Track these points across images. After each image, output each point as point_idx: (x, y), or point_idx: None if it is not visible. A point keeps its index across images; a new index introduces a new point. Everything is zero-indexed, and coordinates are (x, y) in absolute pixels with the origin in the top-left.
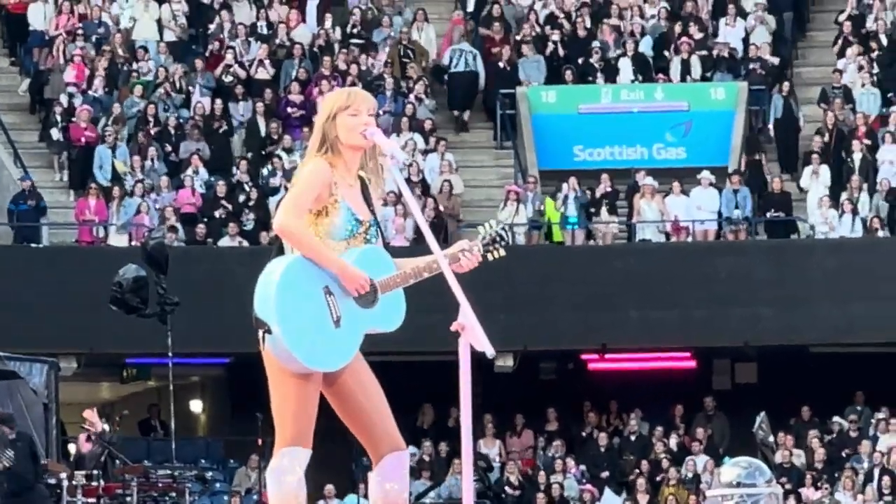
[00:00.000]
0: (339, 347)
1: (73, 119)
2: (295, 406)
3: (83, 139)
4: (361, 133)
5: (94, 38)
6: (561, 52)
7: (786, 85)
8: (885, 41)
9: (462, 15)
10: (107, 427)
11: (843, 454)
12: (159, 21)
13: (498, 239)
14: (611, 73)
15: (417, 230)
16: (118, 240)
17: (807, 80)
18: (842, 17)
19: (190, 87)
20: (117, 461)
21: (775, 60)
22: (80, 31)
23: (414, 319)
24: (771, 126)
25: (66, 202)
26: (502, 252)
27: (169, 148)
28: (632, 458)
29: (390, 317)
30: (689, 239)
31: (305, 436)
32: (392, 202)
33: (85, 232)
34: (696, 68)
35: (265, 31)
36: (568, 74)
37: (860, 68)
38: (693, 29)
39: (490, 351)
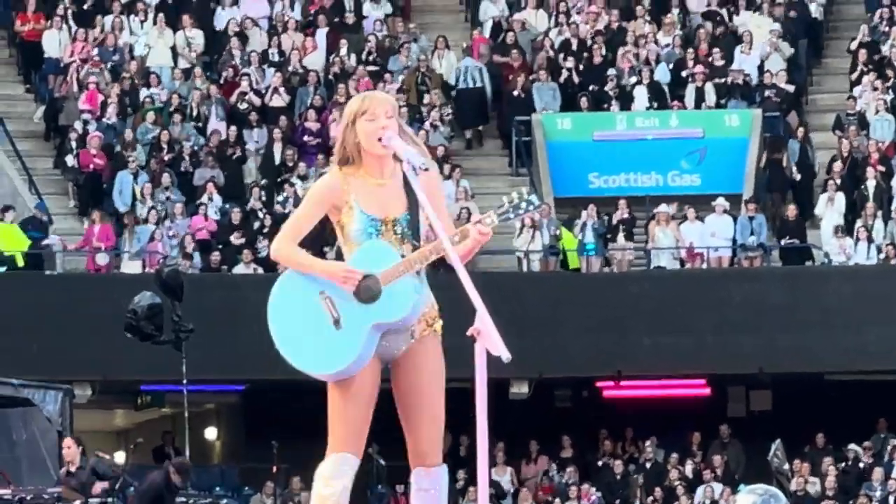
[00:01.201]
0: (341, 347)
1: (86, 146)
2: (339, 412)
3: (92, 166)
4: (377, 138)
5: (108, 65)
6: (576, 79)
7: (800, 131)
8: None
9: (481, 33)
10: (121, 459)
11: (858, 482)
12: (173, 48)
13: (525, 205)
14: (626, 101)
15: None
16: (131, 266)
17: (821, 106)
18: (853, 45)
19: (204, 113)
20: (132, 488)
21: (790, 88)
22: (94, 58)
23: None
24: (794, 167)
25: (80, 229)
26: (536, 215)
27: (183, 173)
28: (636, 477)
29: (394, 307)
30: (704, 266)
31: (352, 442)
32: None
33: (91, 260)
34: (711, 95)
35: (278, 59)
36: (583, 101)
37: (874, 89)
38: (707, 56)
39: (506, 355)
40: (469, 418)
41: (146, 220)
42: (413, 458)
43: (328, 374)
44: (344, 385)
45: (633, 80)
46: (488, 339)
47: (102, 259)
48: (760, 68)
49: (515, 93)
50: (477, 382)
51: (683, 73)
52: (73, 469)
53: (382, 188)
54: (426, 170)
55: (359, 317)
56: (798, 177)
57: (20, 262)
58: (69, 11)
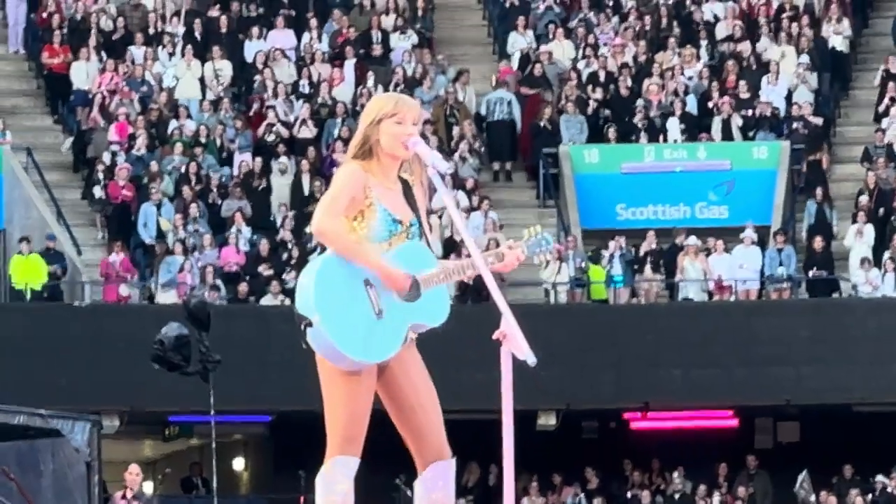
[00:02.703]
0: (382, 338)
1: (114, 177)
2: (344, 410)
3: (120, 197)
4: (403, 143)
5: (137, 97)
6: (603, 111)
7: (819, 190)
8: None
9: (508, 64)
10: (149, 489)
11: None
12: (202, 79)
13: (543, 243)
14: (653, 132)
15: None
16: (163, 297)
17: (849, 139)
18: (880, 77)
19: (232, 145)
20: None
21: (819, 120)
22: (123, 90)
23: (457, 377)
24: (804, 233)
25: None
26: (548, 256)
27: (211, 204)
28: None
29: (434, 311)
30: (732, 297)
31: (355, 442)
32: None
33: (111, 290)
34: (738, 128)
35: (307, 90)
36: (611, 133)
37: None
38: (734, 88)
39: (532, 359)
40: (497, 450)
41: (174, 252)
42: (427, 457)
43: (363, 360)
44: (353, 382)
45: (664, 111)
46: (514, 342)
47: (125, 290)
48: (788, 100)
49: (542, 124)
50: (503, 387)
51: (710, 105)
52: (128, 495)
53: (391, 191)
54: (453, 174)
55: (400, 312)
56: (820, 244)
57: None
58: (97, 43)
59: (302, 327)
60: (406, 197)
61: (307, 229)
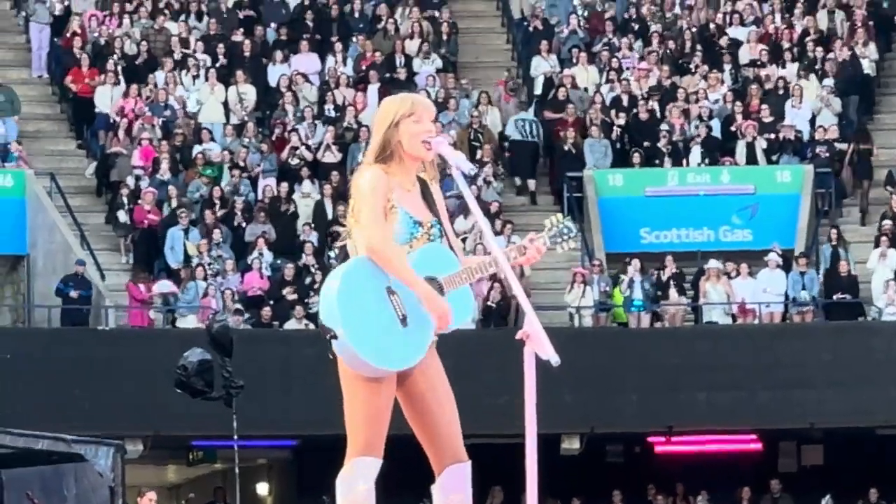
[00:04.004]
0: (407, 346)
1: (139, 201)
2: (366, 413)
3: (146, 221)
4: (424, 142)
5: (160, 121)
6: (627, 135)
7: (833, 232)
8: None
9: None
10: None
11: None
12: (225, 103)
13: (566, 231)
14: (677, 156)
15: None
16: (185, 322)
17: (874, 162)
18: None
19: (256, 169)
20: None
21: (844, 146)
22: (147, 114)
23: (482, 401)
24: (821, 278)
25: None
26: (571, 244)
27: (235, 228)
28: None
29: (459, 312)
30: (756, 321)
31: (377, 444)
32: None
33: (135, 315)
34: (762, 151)
35: (331, 114)
36: (635, 157)
37: None
38: (758, 111)
39: (555, 359)
40: (521, 474)
41: (196, 277)
42: (444, 460)
43: (386, 368)
44: (374, 385)
45: (688, 135)
46: (537, 342)
47: (154, 315)
48: (812, 123)
49: (566, 148)
50: (526, 387)
51: (733, 128)
52: None
53: (411, 193)
54: (476, 176)
55: (424, 317)
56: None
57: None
58: (120, 67)
59: (327, 339)
60: (424, 197)
61: (331, 252)
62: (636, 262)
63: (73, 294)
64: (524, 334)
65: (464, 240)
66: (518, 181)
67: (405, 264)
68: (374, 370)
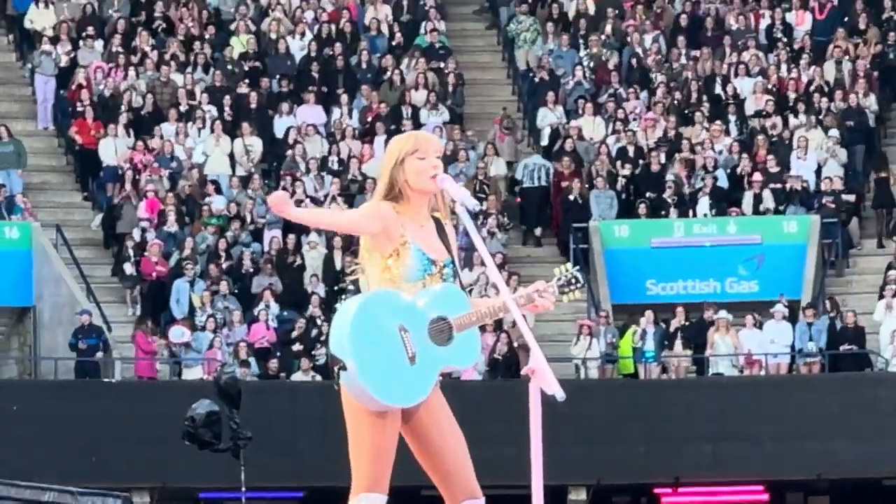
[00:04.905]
0: (414, 384)
1: (145, 254)
2: (371, 447)
3: (154, 274)
4: (430, 177)
5: (166, 173)
6: (633, 185)
7: (830, 303)
8: None
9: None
10: None
11: None
12: (231, 155)
13: (574, 281)
14: (683, 207)
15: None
16: (191, 374)
17: (880, 212)
18: None
19: (262, 221)
20: None
21: (851, 198)
22: (153, 166)
23: (488, 452)
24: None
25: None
26: (578, 294)
27: (241, 279)
28: None
29: (466, 354)
30: (763, 372)
31: (382, 480)
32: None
33: (143, 367)
34: (769, 202)
35: (337, 166)
36: (641, 208)
37: None
38: (764, 162)
39: (560, 394)
40: None
41: (204, 328)
42: (457, 496)
43: (392, 404)
44: (379, 420)
45: (695, 187)
46: (543, 378)
47: (160, 366)
48: (818, 174)
49: (572, 197)
50: (531, 422)
51: (738, 175)
52: None
53: (424, 229)
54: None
55: (432, 357)
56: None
57: None
58: (126, 119)
59: (336, 370)
60: (439, 235)
61: (338, 305)
62: (650, 314)
63: (83, 346)
64: (529, 370)
65: (469, 292)
66: (524, 226)
67: (312, 210)
68: (379, 405)
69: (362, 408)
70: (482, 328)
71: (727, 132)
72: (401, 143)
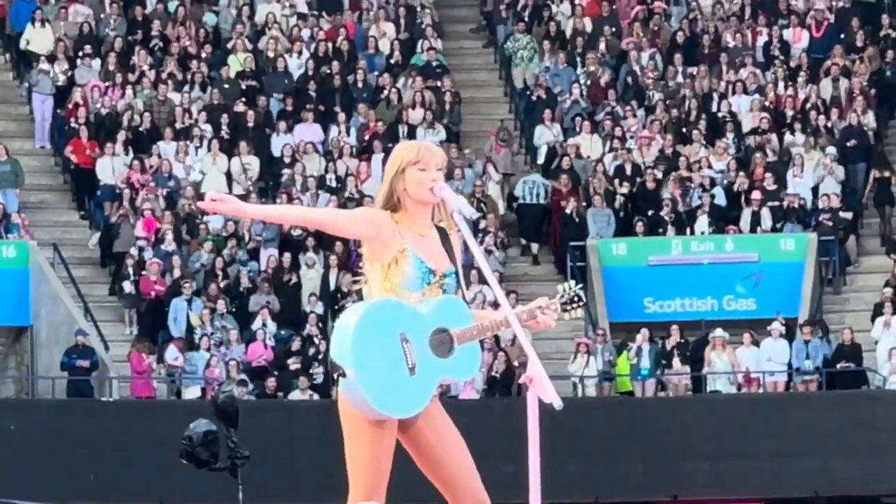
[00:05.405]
0: (413, 394)
1: (144, 272)
2: (369, 456)
3: (153, 293)
4: (429, 189)
5: (163, 192)
6: (630, 203)
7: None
8: None
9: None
10: None
11: None
12: (228, 174)
13: (576, 299)
14: (681, 225)
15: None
16: (189, 393)
17: (877, 230)
18: None
19: (259, 240)
20: None
21: (848, 215)
22: (150, 185)
23: (486, 470)
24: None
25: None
26: (580, 312)
27: (238, 298)
28: None
29: (465, 367)
30: (760, 390)
31: (379, 489)
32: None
33: (140, 386)
34: (767, 219)
35: (334, 184)
36: (639, 226)
37: None
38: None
39: (558, 402)
40: None
41: (198, 347)
42: (467, 502)
43: (389, 414)
44: (379, 431)
45: (693, 205)
46: (540, 386)
47: (157, 385)
48: (815, 192)
49: (570, 215)
50: (529, 432)
51: (736, 192)
52: None
53: (425, 239)
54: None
55: (432, 368)
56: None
57: None
58: (123, 137)
59: (335, 377)
60: (443, 246)
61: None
62: (645, 332)
63: (79, 364)
64: (527, 378)
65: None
66: (523, 241)
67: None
68: (377, 414)
69: (360, 416)
70: (480, 345)
71: (725, 150)
72: (403, 152)
